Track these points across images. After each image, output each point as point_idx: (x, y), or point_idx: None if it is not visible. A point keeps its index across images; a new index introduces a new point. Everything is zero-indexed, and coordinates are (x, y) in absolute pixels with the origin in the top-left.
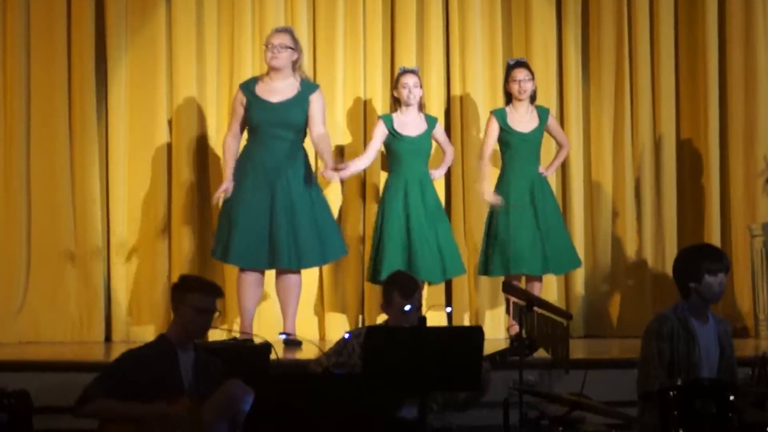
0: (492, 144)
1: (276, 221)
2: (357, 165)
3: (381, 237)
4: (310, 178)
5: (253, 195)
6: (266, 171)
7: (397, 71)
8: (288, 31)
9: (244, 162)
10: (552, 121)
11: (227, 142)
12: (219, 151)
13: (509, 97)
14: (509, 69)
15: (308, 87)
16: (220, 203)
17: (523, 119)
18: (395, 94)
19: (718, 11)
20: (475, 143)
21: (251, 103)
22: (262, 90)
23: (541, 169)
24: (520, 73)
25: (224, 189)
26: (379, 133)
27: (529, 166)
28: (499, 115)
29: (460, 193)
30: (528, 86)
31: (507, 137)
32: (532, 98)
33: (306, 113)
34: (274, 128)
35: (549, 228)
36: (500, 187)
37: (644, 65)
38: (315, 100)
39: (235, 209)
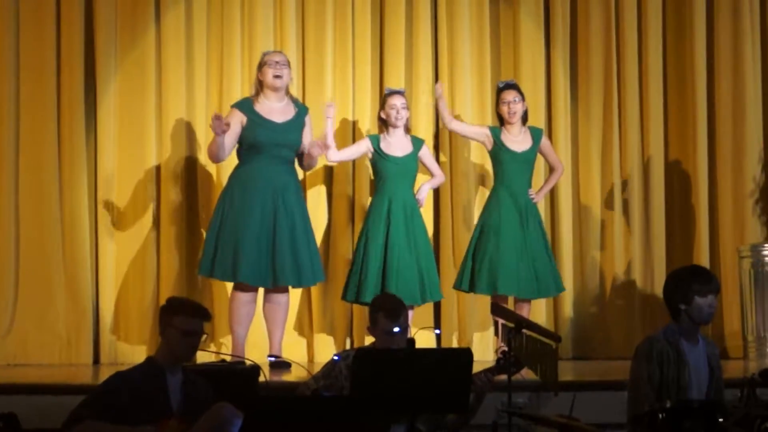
0: (468, 129)
1: (278, 240)
2: (335, 152)
3: (363, 256)
4: (303, 198)
5: (256, 215)
6: (268, 191)
7: (384, 91)
8: (282, 51)
9: (244, 181)
10: (546, 143)
11: (215, 143)
12: (208, 172)
13: (501, 120)
14: (499, 91)
15: (302, 108)
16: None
17: (516, 139)
18: (382, 115)
19: (707, 34)
20: (464, 166)
21: (254, 123)
22: (262, 110)
23: (531, 193)
24: (510, 95)
25: (226, 123)
26: (363, 144)
27: (519, 185)
28: (494, 132)
29: (449, 215)
30: (518, 108)
31: (500, 154)
32: (524, 119)
33: (302, 135)
34: (278, 149)
35: (535, 251)
36: (491, 205)
37: (632, 88)
38: (308, 123)
39: (239, 229)
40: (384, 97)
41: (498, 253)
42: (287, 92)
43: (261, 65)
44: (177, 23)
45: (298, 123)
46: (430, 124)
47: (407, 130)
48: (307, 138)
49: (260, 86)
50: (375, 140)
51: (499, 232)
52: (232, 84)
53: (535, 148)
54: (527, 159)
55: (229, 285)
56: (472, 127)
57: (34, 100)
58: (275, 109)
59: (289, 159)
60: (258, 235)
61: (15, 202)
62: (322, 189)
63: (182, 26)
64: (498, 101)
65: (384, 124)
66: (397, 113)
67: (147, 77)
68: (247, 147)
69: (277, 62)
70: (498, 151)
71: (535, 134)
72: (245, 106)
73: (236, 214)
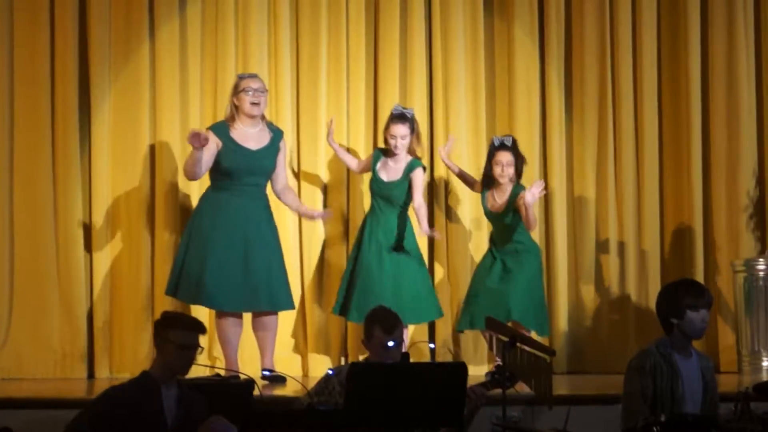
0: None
1: (252, 266)
2: (344, 154)
3: (350, 273)
4: (274, 222)
5: (224, 241)
6: (239, 218)
7: (392, 110)
8: (258, 75)
9: (214, 206)
10: (521, 198)
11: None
12: (202, 188)
13: (491, 178)
14: (494, 150)
15: (277, 133)
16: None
17: (497, 200)
18: (385, 135)
19: (701, 48)
20: (459, 185)
21: (229, 149)
22: (238, 136)
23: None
24: (505, 157)
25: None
26: (365, 160)
27: (500, 241)
28: (482, 194)
29: (444, 233)
30: (510, 171)
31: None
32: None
33: (276, 161)
34: (251, 176)
35: (509, 294)
36: (488, 251)
37: (627, 102)
38: (283, 147)
39: (205, 254)
40: (389, 120)
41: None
42: (262, 117)
43: (238, 91)
44: (171, 39)
45: (273, 149)
46: (424, 141)
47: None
48: (281, 163)
49: (235, 111)
50: (377, 158)
51: (474, 279)
52: (226, 101)
53: (510, 206)
54: (499, 221)
55: None
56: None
57: (29, 116)
58: (250, 135)
59: (262, 185)
60: (223, 261)
61: (9, 217)
62: (317, 205)
63: (176, 42)
64: (491, 160)
65: (385, 143)
66: (396, 143)
67: (141, 93)
68: (220, 172)
69: (255, 90)
70: (484, 212)
71: (513, 193)
72: (221, 130)
73: (203, 239)
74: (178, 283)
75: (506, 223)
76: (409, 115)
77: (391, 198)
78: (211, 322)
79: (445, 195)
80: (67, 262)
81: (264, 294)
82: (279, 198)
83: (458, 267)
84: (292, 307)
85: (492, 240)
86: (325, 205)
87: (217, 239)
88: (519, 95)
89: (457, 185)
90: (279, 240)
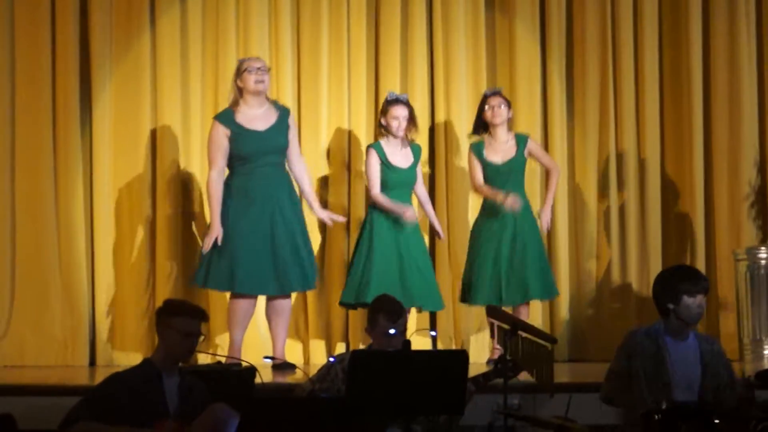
0: (478, 175)
1: (279, 247)
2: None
3: (369, 258)
4: (298, 200)
5: (252, 225)
6: (262, 200)
7: (386, 96)
8: (259, 57)
9: (235, 195)
10: (532, 146)
11: (214, 180)
12: (203, 178)
13: (486, 127)
14: (485, 98)
15: (284, 110)
16: (209, 246)
17: (501, 149)
18: (383, 122)
19: (703, 38)
20: (459, 170)
21: (238, 135)
22: (244, 120)
23: (544, 220)
24: (495, 101)
25: (215, 236)
26: (374, 162)
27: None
28: (476, 148)
29: (445, 221)
30: (503, 111)
31: (484, 170)
32: (509, 126)
33: (287, 137)
34: (266, 156)
35: (520, 259)
36: (481, 215)
37: (629, 93)
38: (292, 124)
39: (236, 240)
40: (386, 105)
41: (473, 264)
42: (266, 97)
43: (240, 72)
44: (172, 28)
45: (282, 126)
46: (424, 132)
47: (406, 137)
48: (293, 139)
49: (240, 93)
50: (380, 150)
51: (475, 244)
52: (227, 88)
53: (520, 156)
54: (509, 170)
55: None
56: (473, 171)
57: (30, 105)
58: (257, 117)
59: (279, 163)
60: (255, 244)
61: (11, 206)
62: (317, 194)
63: (177, 31)
64: (483, 108)
65: (385, 130)
66: (399, 124)
67: (142, 82)
68: (236, 158)
69: (258, 68)
70: (483, 167)
71: (520, 141)
72: (227, 118)
73: (232, 225)
74: (208, 273)
75: (512, 174)
76: (404, 99)
77: (410, 183)
78: (212, 310)
79: (446, 183)
80: (69, 251)
81: (295, 274)
82: (299, 183)
83: (459, 246)
84: (314, 286)
85: (488, 201)
86: (326, 200)
87: (244, 226)
88: (520, 89)
89: (456, 177)
90: (302, 216)
